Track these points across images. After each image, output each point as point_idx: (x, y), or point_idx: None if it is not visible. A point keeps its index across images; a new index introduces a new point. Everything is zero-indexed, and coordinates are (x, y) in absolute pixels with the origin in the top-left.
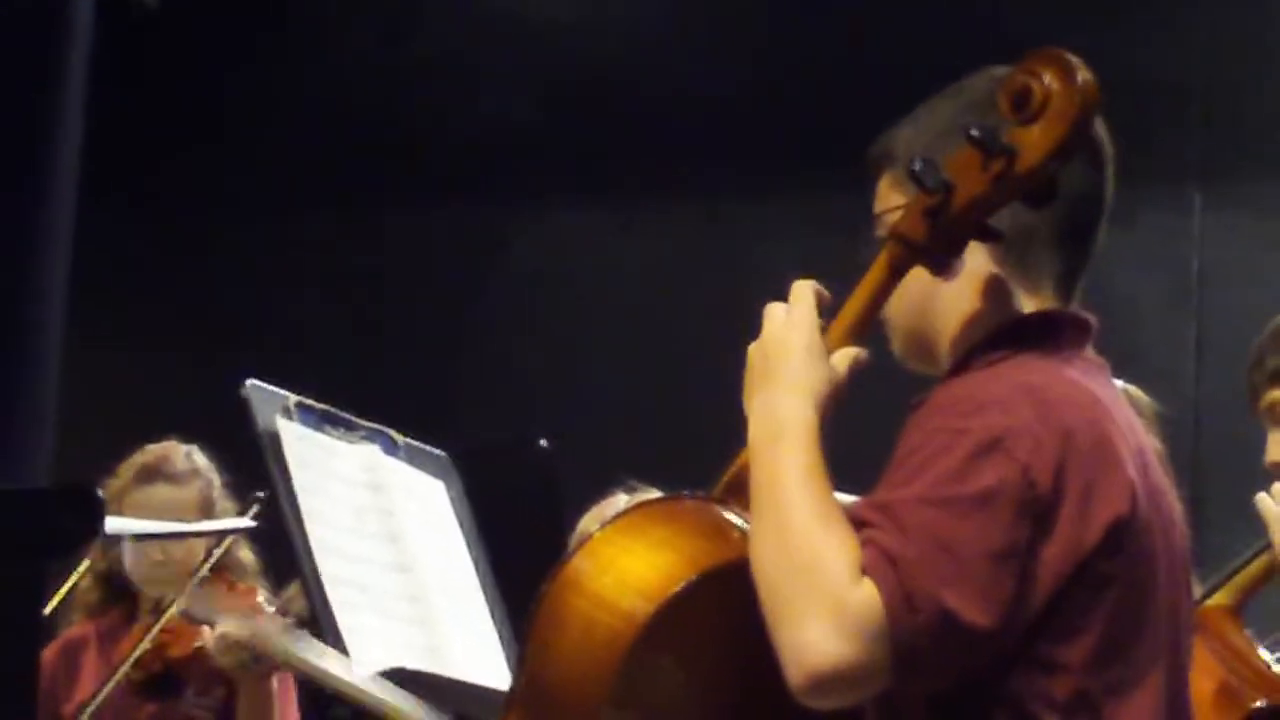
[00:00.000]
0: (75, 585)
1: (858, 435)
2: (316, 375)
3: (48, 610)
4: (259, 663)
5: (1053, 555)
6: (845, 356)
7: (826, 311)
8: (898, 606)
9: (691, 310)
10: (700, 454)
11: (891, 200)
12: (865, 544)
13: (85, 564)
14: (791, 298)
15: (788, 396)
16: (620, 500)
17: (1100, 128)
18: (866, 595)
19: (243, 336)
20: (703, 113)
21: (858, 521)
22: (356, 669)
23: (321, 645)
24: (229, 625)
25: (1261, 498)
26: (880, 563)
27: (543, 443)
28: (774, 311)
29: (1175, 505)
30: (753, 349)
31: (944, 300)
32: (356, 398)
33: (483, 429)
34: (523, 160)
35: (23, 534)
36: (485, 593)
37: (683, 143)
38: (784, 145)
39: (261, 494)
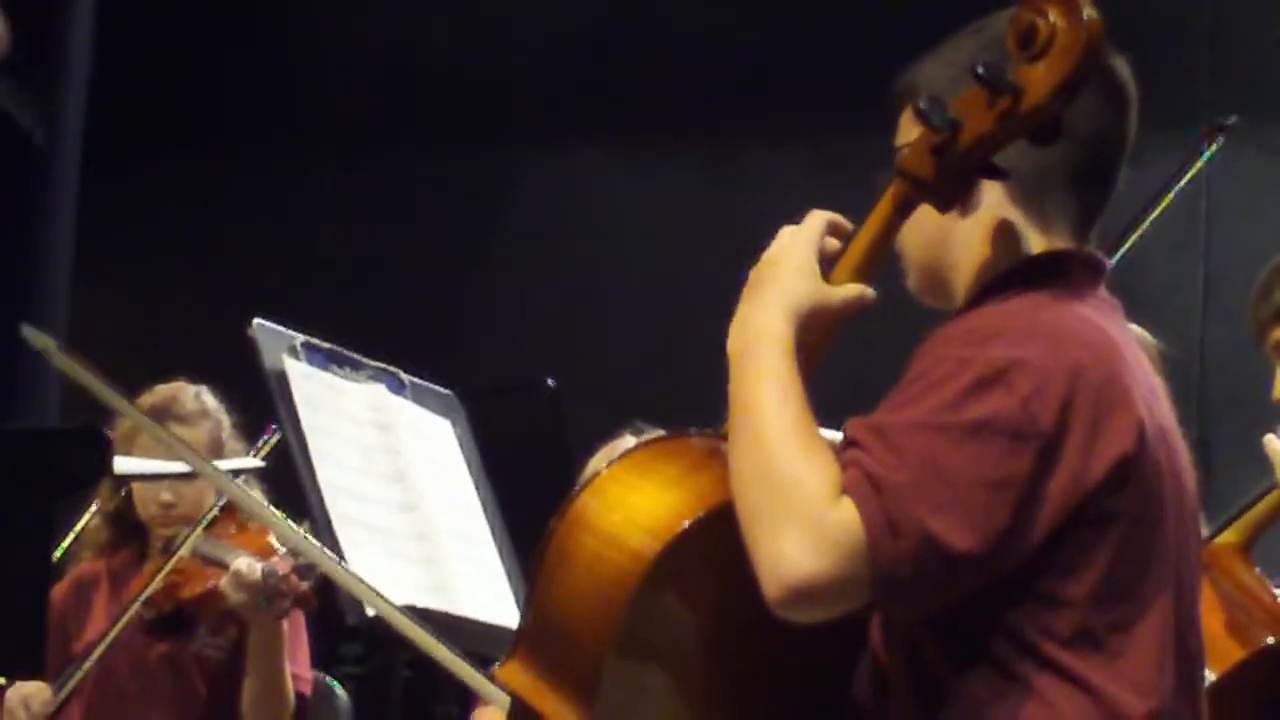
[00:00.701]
0: (86, 524)
1: (869, 370)
2: (324, 315)
3: (58, 552)
4: (273, 603)
5: (1056, 489)
6: (849, 290)
7: (844, 242)
8: (879, 530)
9: (700, 251)
10: (708, 394)
11: (910, 135)
12: (849, 465)
13: (95, 504)
14: (802, 224)
15: (765, 310)
16: (627, 441)
17: (1123, 67)
18: (845, 515)
19: (250, 277)
20: (713, 55)
21: (849, 440)
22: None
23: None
24: (243, 564)
25: (1270, 438)
26: (863, 485)
27: (550, 382)
28: (782, 233)
29: (1183, 445)
30: (754, 269)
31: (958, 237)
32: (364, 338)
33: (491, 370)
34: (531, 102)
35: (33, 472)
36: (492, 531)
37: (693, 85)
38: (796, 88)
39: (274, 428)
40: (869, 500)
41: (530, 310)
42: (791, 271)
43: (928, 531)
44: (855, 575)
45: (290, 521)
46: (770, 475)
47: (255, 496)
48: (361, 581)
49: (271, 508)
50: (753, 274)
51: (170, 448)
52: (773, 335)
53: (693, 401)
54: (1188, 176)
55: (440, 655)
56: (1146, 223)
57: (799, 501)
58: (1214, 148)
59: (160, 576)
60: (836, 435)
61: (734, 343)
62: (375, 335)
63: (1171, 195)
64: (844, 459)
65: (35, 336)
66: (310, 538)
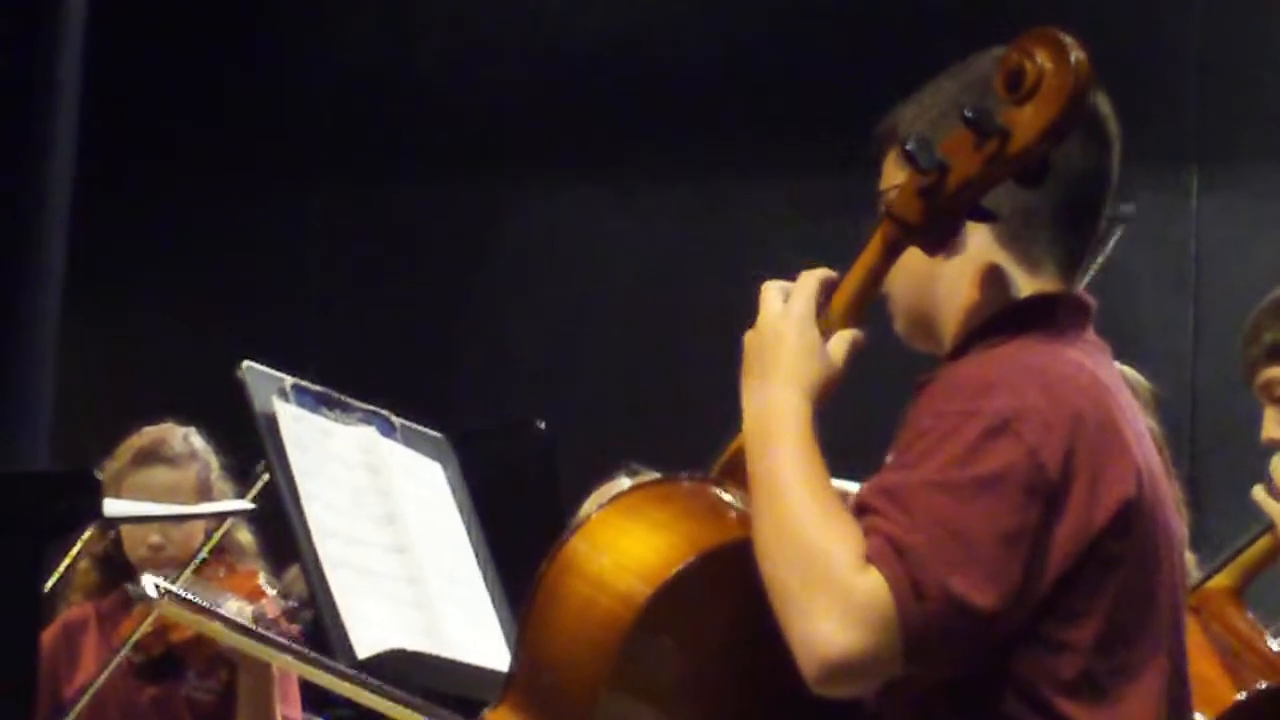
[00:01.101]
0: (74, 567)
1: (861, 412)
2: (313, 357)
3: (45, 591)
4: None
5: (1063, 536)
6: (842, 341)
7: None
8: (905, 595)
9: (691, 290)
10: (699, 435)
11: (896, 178)
12: (870, 532)
13: (79, 545)
14: (795, 288)
15: (781, 390)
16: (622, 482)
17: (1105, 106)
18: (873, 584)
19: (240, 318)
20: (703, 90)
21: (863, 507)
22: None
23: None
24: (233, 607)
25: (1258, 490)
26: (886, 551)
27: (540, 425)
28: (770, 295)
29: (1168, 487)
30: (749, 336)
31: (945, 281)
32: (354, 380)
33: (481, 410)
34: (521, 136)
35: (22, 516)
36: (483, 574)
37: (682, 119)
38: (784, 123)
39: (263, 469)
40: (893, 565)
41: (521, 350)
42: (802, 351)
43: (950, 591)
44: (890, 645)
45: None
46: (797, 550)
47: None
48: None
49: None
50: (753, 343)
51: None
52: (792, 414)
53: (684, 441)
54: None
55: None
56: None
57: (828, 576)
58: (1114, 238)
59: (149, 620)
60: (846, 485)
61: (753, 427)
62: (365, 377)
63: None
64: (864, 526)
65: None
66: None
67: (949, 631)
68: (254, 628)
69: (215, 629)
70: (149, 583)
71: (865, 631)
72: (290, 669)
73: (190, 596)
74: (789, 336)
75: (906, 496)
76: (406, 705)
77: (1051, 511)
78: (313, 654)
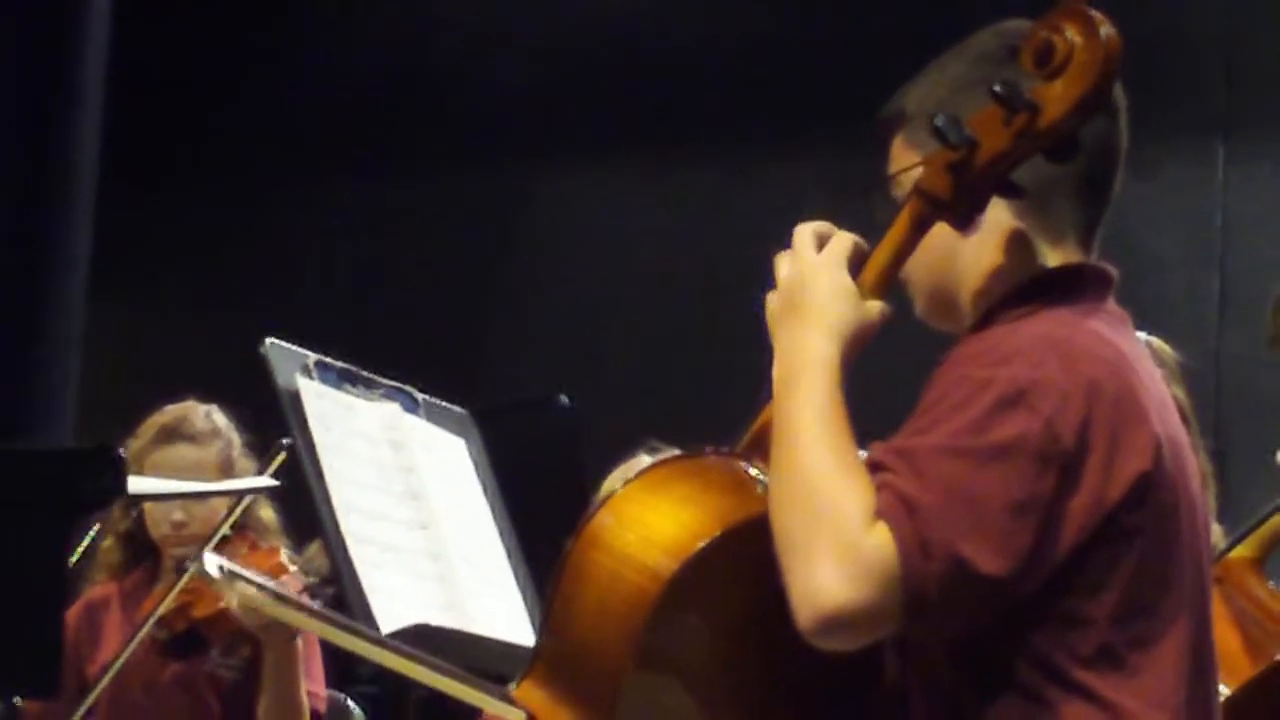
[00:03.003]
0: (98, 545)
1: (881, 394)
2: (337, 334)
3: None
4: (284, 622)
5: (1077, 508)
6: (877, 305)
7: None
8: (912, 552)
9: (715, 268)
10: (724, 411)
11: (905, 160)
12: (881, 488)
13: (98, 525)
14: (831, 241)
15: (812, 333)
16: (643, 460)
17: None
18: (880, 539)
19: (263, 296)
20: (725, 69)
21: (875, 465)
22: (381, 625)
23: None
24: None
25: None
26: (896, 507)
27: (564, 400)
28: (804, 240)
29: (1193, 457)
30: (770, 297)
31: (965, 256)
32: (378, 357)
33: (506, 387)
34: (546, 119)
35: (47, 494)
36: (507, 550)
37: (707, 101)
38: (809, 103)
39: (286, 441)
40: (903, 522)
41: (544, 328)
42: (833, 295)
43: (958, 554)
44: (889, 602)
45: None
46: (808, 500)
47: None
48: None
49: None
50: (780, 299)
51: None
52: (820, 359)
53: (708, 418)
54: None
55: (444, 685)
56: None
57: (836, 527)
58: None
59: (171, 596)
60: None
61: (780, 369)
62: (389, 354)
63: None
64: (876, 483)
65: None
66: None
67: (952, 593)
68: (322, 610)
69: (282, 611)
70: (212, 562)
71: (866, 586)
72: (349, 646)
73: (256, 578)
74: (823, 279)
75: (920, 459)
76: (460, 680)
77: (1066, 483)
78: (382, 636)
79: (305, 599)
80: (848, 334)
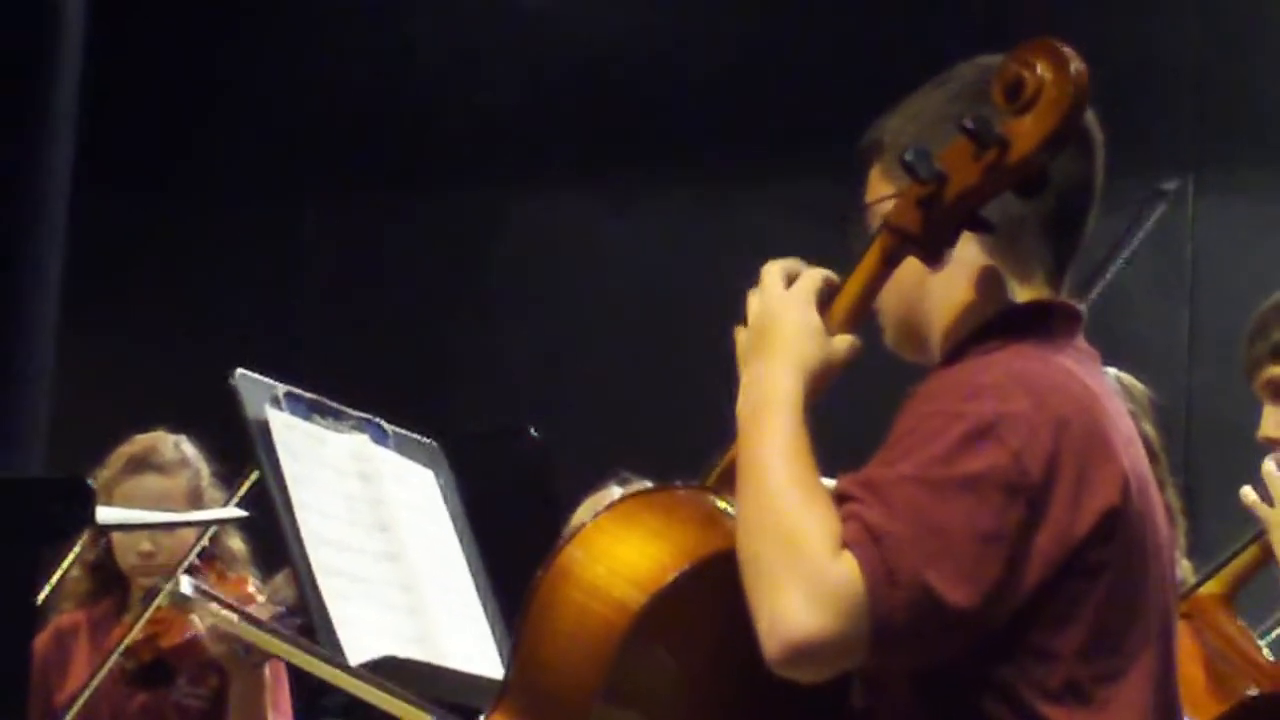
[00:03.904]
0: (66, 575)
1: (852, 425)
2: (306, 365)
3: (39, 600)
4: (250, 652)
5: (1044, 542)
6: (843, 340)
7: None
8: (879, 581)
9: (687, 296)
10: (694, 444)
11: (881, 190)
12: (848, 518)
13: (74, 553)
14: (799, 276)
15: (777, 369)
16: (613, 492)
17: (1089, 115)
18: (846, 568)
19: (233, 326)
20: (699, 95)
21: (842, 495)
22: (349, 657)
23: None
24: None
25: (1246, 490)
26: (862, 537)
27: (534, 432)
28: (772, 276)
29: (1160, 495)
30: (739, 330)
31: (936, 290)
32: (347, 388)
33: (476, 417)
34: (517, 143)
35: (15, 523)
36: (476, 582)
37: (679, 125)
38: (781, 128)
39: (251, 472)
40: (869, 551)
41: (514, 355)
42: (799, 332)
43: (925, 583)
44: (856, 632)
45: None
46: (774, 531)
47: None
48: (321, 658)
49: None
50: (748, 335)
51: None
52: (783, 395)
53: (678, 449)
54: (1130, 248)
55: (411, 716)
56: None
57: (802, 557)
58: (1156, 214)
59: (139, 626)
60: (830, 483)
61: (744, 405)
62: (358, 379)
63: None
64: (842, 513)
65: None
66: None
67: (919, 623)
68: (286, 631)
69: (250, 631)
70: (186, 584)
71: (833, 616)
72: (320, 673)
73: (229, 600)
74: (790, 315)
75: (886, 489)
76: (427, 711)
77: (1033, 516)
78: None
79: (276, 625)
80: (813, 370)
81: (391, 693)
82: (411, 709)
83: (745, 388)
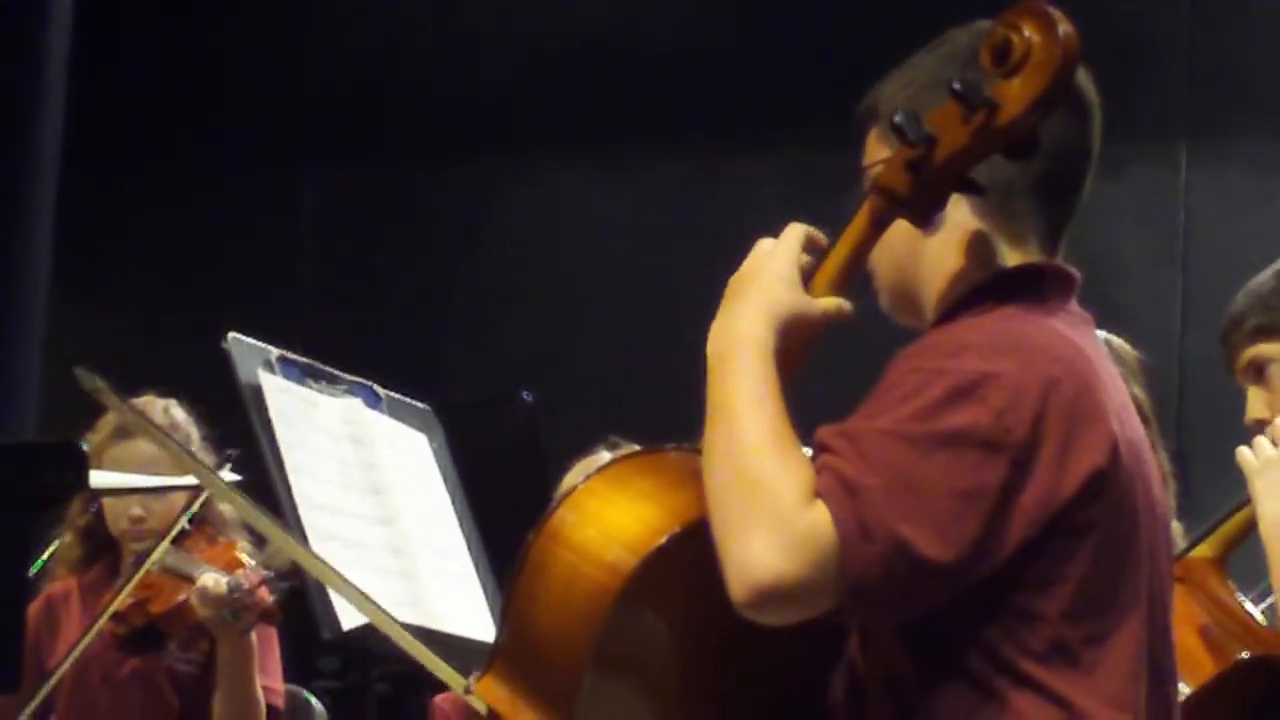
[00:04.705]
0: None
1: (844, 388)
2: (300, 330)
3: (33, 571)
4: (239, 617)
5: (1028, 501)
6: (828, 302)
7: (817, 256)
8: (852, 534)
9: (679, 266)
10: (686, 410)
11: (878, 154)
12: (823, 469)
13: (66, 533)
14: (781, 235)
15: (746, 315)
16: (603, 457)
17: (1086, 81)
18: (817, 518)
19: (226, 290)
20: (694, 68)
21: (820, 446)
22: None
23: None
24: (209, 579)
25: (1241, 451)
26: (837, 489)
27: (526, 396)
28: (760, 244)
29: (1152, 458)
30: (731, 279)
31: (928, 254)
32: (342, 356)
33: (469, 384)
34: (513, 117)
35: (10, 487)
36: (468, 545)
37: (674, 99)
38: (777, 101)
39: (233, 452)
40: (843, 503)
41: (507, 324)
42: (773, 279)
43: (899, 537)
44: (824, 578)
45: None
46: (743, 477)
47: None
48: (348, 583)
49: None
50: (732, 282)
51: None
52: (753, 339)
53: (670, 417)
54: None
55: (423, 657)
56: None
57: (771, 503)
58: None
59: (127, 590)
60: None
61: (713, 345)
62: (352, 349)
63: None
64: (817, 464)
65: (84, 377)
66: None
67: (892, 576)
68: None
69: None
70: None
71: (801, 562)
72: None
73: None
74: (766, 266)
75: (864, 442)
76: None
77: (1017, 475)
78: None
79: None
80: (782, 318)
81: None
82: (413, 640)
83: (714, 330)
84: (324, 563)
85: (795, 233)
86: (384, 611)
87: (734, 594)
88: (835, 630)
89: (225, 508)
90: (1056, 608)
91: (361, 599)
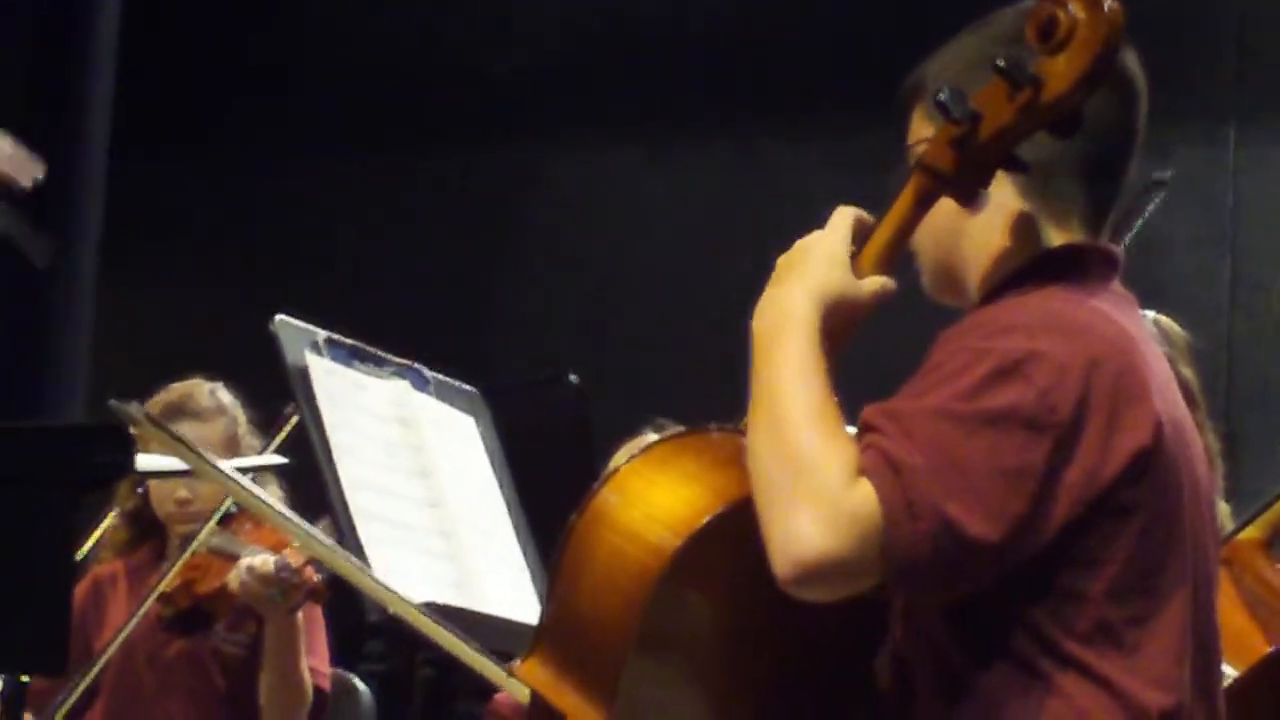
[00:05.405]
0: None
1: (888, 368)
2: (347, 312)
3: (81, 553)
4: (286, 596)
5: (1072, 480)
6: (875, 281)
7: (862, 236)
8: (898, 513)
9: (723, 247)
10: (730, 391)
11: (922, 132)
12: (868, 448)
13: (111, 515)
14: (830, 219)
15: (793, 294)
16: (649, 438)
17: (1133, 61)
18: (864, 496)
19: (273, 273)
20: (735, 48)
21: (865, 424)
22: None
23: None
24: (256, 559)
25: None
26: (882, 467)
27: (573, 378)
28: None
29: (1198, 439)
30: (780, 259)
31: (972, 234)
32: (388, 335)
33: (515, 365)
34: (553, 99)
35: (57, 469)
36: (515, 527)
37: (714, 78)
38: (816, 80)
39: (290, 413)
40: (888, 482)
41: (554, 307)
42: (822, 259)
43: (946, 516)
44: (867, 556)
45: (299, 523)
46: (788, 454)
47: (264, 496)
48: (373, 579)
49: (281, 510)
50: (780, 261)
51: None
52: (800, 318)
53: (715, 398)
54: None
55: (458, 650)
56: None
57: (816, 481)
58: (1152, 205)
59: (174, 572)
60: (852, 430)
61: (759, 323)
62: (397, 332)
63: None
64: (862, 442)
65: (120, 409)
66: (319, 537)
67: (938, 554)
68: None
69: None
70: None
71: (845, 538)
72: (378, 595)
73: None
74: (816, 247)
75: (909, 420)
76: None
77: (1060, 454)
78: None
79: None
80: (829, 297)
81: (438, 623)
82: (455, 640)
83: (760, 308)
84: (353, 562)
85: (846, 215)
86: (418, 608)
87: (778, 570)
88: (879, 609)
89: (272, 490)
90: (1101, 588)
91: (398, 601)
